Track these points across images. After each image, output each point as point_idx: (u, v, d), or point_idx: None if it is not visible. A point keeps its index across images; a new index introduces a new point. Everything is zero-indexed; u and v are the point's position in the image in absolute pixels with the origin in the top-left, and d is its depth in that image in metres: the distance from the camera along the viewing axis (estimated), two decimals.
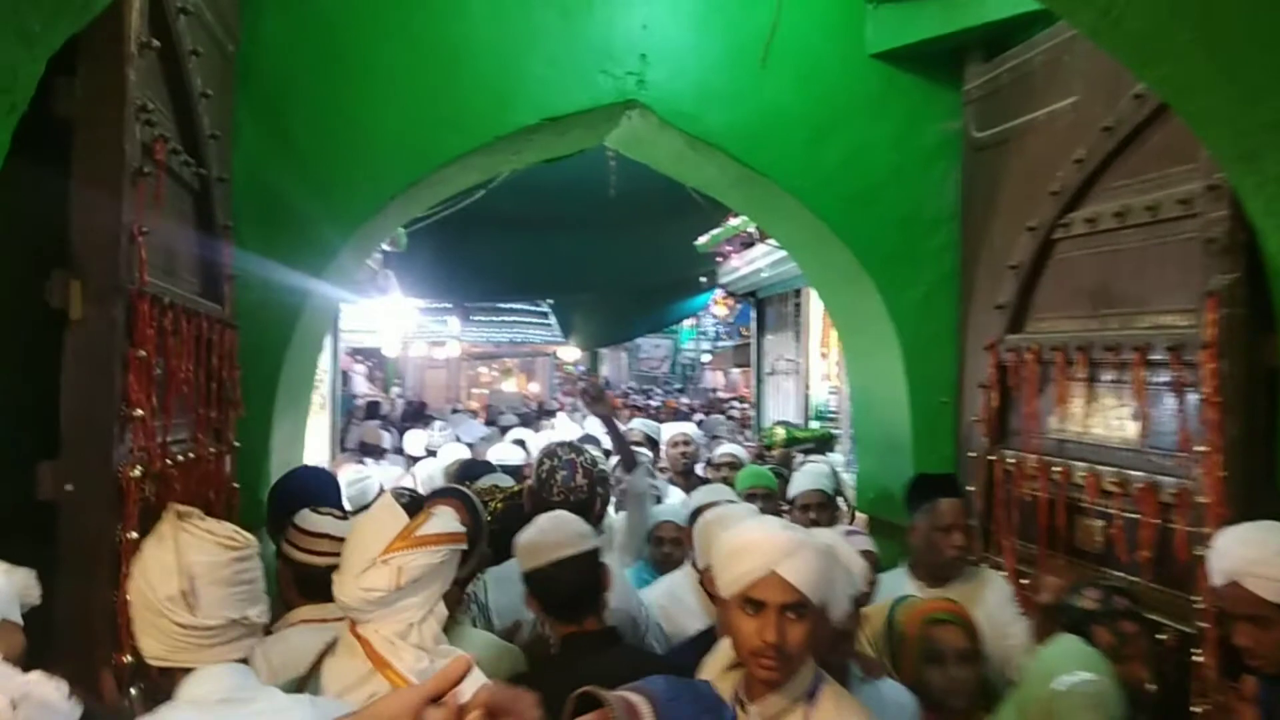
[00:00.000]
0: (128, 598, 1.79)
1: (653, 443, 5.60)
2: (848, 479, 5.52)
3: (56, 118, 2.13)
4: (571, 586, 2.44)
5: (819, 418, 7.48)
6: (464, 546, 2.17)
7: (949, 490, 3.30)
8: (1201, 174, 2.65)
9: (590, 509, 3.27)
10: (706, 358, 26.35)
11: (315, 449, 6.27)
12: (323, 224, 3.58)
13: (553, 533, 2.50)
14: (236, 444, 3.18)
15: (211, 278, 3.02)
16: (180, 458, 2.55)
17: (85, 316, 2.07)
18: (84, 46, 2.14)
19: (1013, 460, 3.53)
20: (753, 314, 8.80)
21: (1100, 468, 3.08)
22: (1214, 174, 2.57)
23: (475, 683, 1.11)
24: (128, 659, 2.04)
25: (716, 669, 2.05)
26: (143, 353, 2.17)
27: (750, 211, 4.73)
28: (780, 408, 8.22)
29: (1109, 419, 3.10)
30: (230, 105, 3.40)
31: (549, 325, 22.33)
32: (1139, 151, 2.99)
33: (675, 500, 4.63)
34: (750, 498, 4.07)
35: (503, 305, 22.15)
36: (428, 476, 5.69)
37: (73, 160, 2.13)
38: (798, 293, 7.66)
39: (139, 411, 2.14)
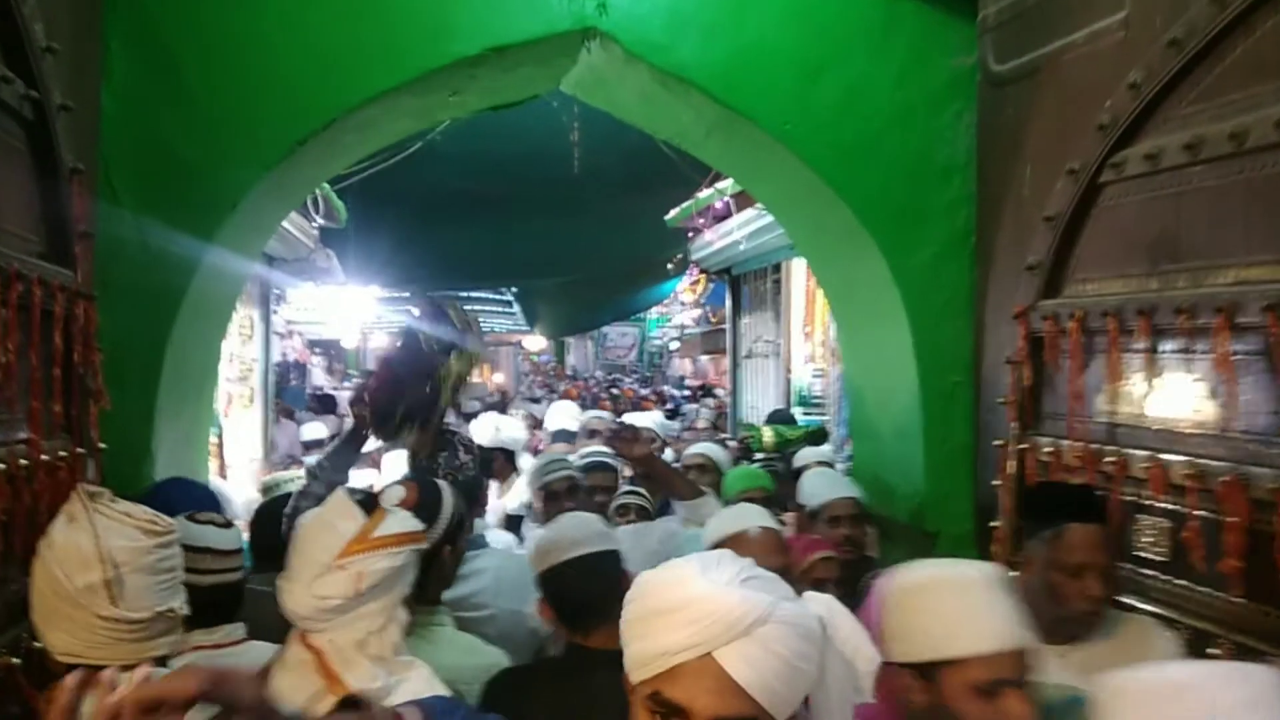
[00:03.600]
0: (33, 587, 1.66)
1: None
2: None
3: None
4: (585, 589, 2.21)
5: (802, 403, 6.92)
6: (424, 546, 1.99)
7: (1084, 512, 2.37)
8: None
9: (476, 491, 3.07)
10: (675, 345, 25.81)
11: (243, 449, 5.62)
12: (215, 173, 2.93)
13: (570, 530, 2.32)
14: (102, 445, 2.54)
15: (56, 234, 2.37)
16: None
17: None
18: None
19: (1049, 449, 2.98)
20: (728, 294, 8.22)
21: (1168, 457, 2.53)
22: None
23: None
24: None
25: None
26: None
27: (729, 165, 4.13)
28: (759, 394, 7.63)
29: (1179, 398, 2.54)
30: (93, 20, 2.74)
31: (513, 314, 21.67)
32: (1218, 68, 2.42)
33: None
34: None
35: (465, 294, 21.46)
36: None
37: None
38: (777, 267, 7.08)
39: None
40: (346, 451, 2.76)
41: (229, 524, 2.38)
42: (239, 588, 2.32)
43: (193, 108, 2.91)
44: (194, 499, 2.55)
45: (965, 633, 1.62)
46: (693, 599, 1.16)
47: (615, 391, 17.59)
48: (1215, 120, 2.41)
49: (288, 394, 12.98)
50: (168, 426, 2.96)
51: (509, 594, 2.89)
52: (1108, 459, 2.73)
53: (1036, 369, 3.07)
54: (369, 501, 2.03)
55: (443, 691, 1.78)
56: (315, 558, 1.76)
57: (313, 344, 21.70)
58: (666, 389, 19.29)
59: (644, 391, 17.30)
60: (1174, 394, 2.55)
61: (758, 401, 7.65)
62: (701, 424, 6.70)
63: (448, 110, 3.58)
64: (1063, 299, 2.94)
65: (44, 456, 2.19)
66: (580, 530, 2.32)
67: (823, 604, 1.23)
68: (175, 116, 2.90)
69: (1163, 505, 2.56)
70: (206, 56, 2.93)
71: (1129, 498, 2.69)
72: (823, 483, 3.45)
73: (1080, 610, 2.25)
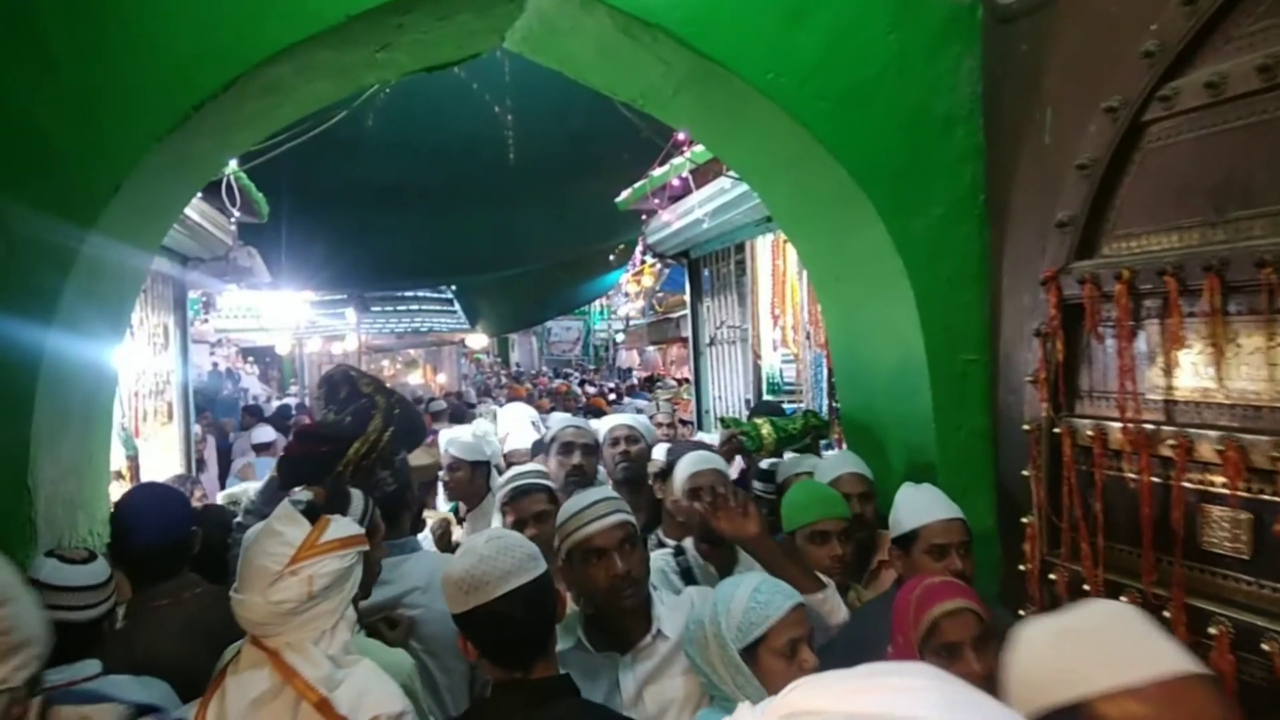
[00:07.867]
0: None
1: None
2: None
3: None
4: (527, 624, 1.92)
5: (773, 391, 6.51)
6: (366, 548, 2.04)
7: None
8: None
9: (398, 507, 2.85)
10: (620, 337, 25.33)
11: (163, 470, 5.05)
12: (91, 148, 2.40)
13: (498, 559, 1.93)
14: None
15: None
16: None
17: None
18: None
19: (1091, 432, 2.60)
20: (686, 279, 7.77)
21: (1246, 436, 2.16)
22: None
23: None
24: None
25: None
26: None
27: (701, 127, 3.66)
28: (725, 384, 7.21)
29: (1259, 367, 2.17)
30: None
31: (454, 313, 20.98)
32: None
33: None
34: (817, 538, 2.80)
35: (403, 294, 20.72)
36: None
37: None
38: (741, 248, 6.65)
39: None
40: (275, 493, 2.63)
41: (87, 559, 2.25)
42: (87, 626, 2.19)
43: (58, 72, 2.37)
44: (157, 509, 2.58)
45: None
46: None
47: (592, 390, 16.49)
48: None
49: (219, 406, 12.28)
50: (49, 456, 2.43)
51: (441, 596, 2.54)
52: (1167, 441, 2.36)
53: (1070, 341, 2.69)
54: (311, 511, 2.04)
55: (390, 683, 1.88)
56: (267, 566, 1.83)
57: (245, 352, 20.86)
58: (627, 383, 18.61)
59: (604, 390, 16.37)
60: (1252, 364, 2.18)
61: (723, 392, 7.22)
62: (662, 419, 6.09)
63: (374, 71, 3.07)
64: (1103, 258, 2.56)
65: None
66: (511, 557, 1.94)
67: None
68: (39, 84, 2.36)
69: (1241, 494, 2.19)
70: (72, 10, 2.39)
71: (1195, 485, 2.33)
72: (913, 499, 2.63)
73: None
